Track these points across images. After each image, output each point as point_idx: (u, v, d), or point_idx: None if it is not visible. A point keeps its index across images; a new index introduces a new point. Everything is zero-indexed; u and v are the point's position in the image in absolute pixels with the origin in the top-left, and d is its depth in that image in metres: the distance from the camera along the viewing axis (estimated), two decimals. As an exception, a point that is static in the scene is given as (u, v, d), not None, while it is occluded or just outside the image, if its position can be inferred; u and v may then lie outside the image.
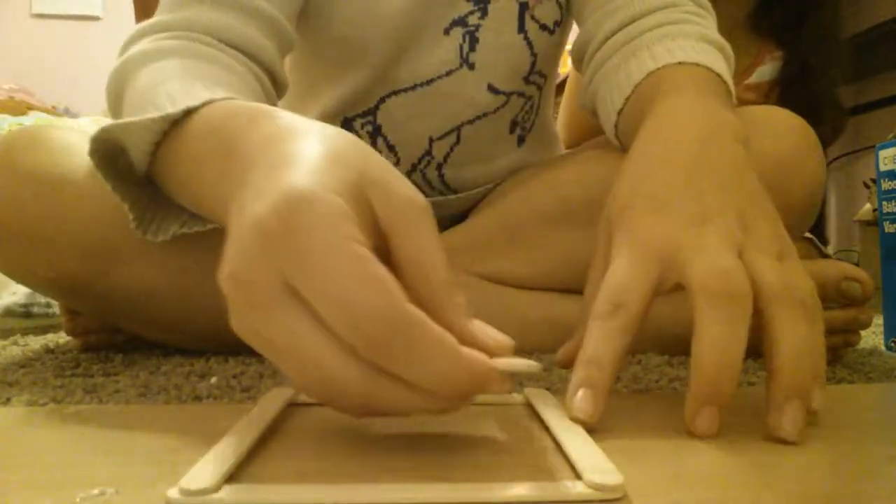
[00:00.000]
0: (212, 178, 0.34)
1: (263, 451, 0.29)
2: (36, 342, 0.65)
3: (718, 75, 0.49)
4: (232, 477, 0.25)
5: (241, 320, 0.26)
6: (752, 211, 0.36)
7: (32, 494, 0.24)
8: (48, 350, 0.60)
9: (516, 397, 0.38)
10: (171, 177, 0.41)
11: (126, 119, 0.40)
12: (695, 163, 0.38)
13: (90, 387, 0.43)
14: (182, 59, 0.47)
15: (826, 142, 1.11)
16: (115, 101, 0.48)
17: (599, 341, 0.33)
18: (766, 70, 1.11)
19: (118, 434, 0.33)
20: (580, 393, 0.32)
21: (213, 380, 0.44)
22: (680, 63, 0.50)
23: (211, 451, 0.27)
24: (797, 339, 0.31)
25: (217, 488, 0.24)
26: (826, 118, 1.06)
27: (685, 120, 0.42)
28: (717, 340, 0.30)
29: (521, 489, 0.24)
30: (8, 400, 0.40)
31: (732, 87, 0.51)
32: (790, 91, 1.08)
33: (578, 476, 0.25)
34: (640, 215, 0.36)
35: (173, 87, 0.42)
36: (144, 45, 0.48)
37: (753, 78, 1.11)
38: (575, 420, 0.31)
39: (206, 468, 0.25)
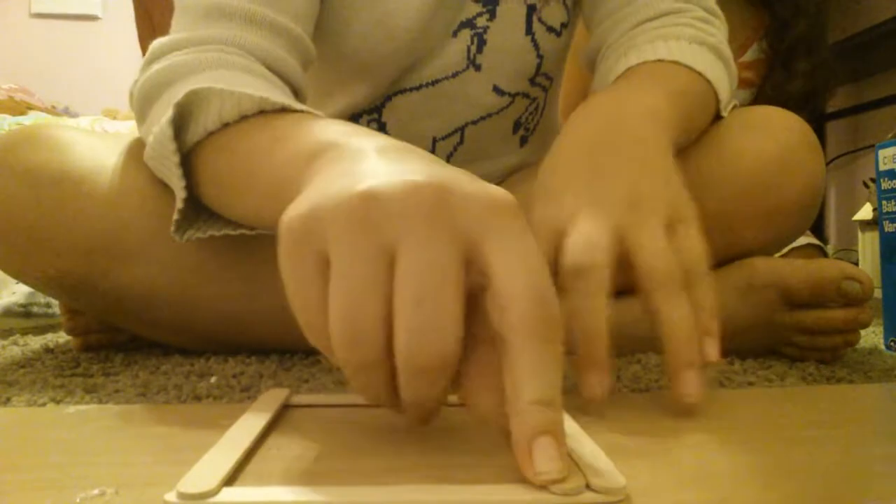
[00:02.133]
0: (288, 165, 0.34)
1: (260, 452, 0.29)
2: (36, 342, 0.65)
3: (700, 74, 0.51)
4: (230, 479, 0.25)
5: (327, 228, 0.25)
6: (647, 182, 0.39)
7: (32, 494, 0.24)
8: (48, 350, 0.59)
9: None
10: (229, 157, 0.40)
11: (221, 86, 0.40)
12: (593, 146, 0.42)
13: (90, 387, 0.43)
14: (237, 71, 0.46)
15: (814, 101, 1.11)
16: (145, 105, 0.47)
17: (582, 311, 0.35)
18: (763, 46, 1.11)
19: (118, 434, 0.33)
20: (591, 374, 0.34)
21: (213, 380, 0.44)
22: (658, 60, 0.52)
23: (208, 453, 0.27)
24: (677, 317, 0.35)
25: (216, 491, 0.24)
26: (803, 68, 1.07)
27: (603, 106, 0.46)
28: (573, 312, 0.34)
29: (523, 492, 0.24)
30: (8, 400, 0.40)
31: (720, 84, 0.53)
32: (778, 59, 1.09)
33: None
34: (539, 206, 0.40)
35: (248, 89, 0.41)
36: (185, 56, 0.46)
37: (749, 55, 1.11)
38: (590, 399, 0.34)
39: (205, 471, 0.25)
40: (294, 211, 0.26)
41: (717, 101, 0.54)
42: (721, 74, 0.54)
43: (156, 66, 0.46)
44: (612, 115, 0.45)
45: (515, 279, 0.24)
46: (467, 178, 0.27)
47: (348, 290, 0.24)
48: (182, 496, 0.23)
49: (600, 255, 0.35)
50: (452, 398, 0.39)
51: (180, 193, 0.43)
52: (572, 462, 0.26)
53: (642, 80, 0.51)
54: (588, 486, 0.24)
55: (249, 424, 0.32)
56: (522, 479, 0.24)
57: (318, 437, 0.32)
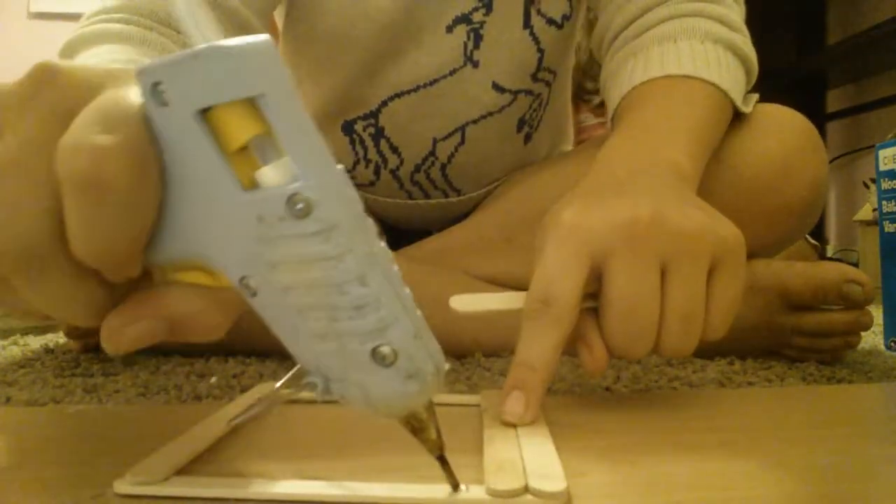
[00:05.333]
0: None
1: (231, 443, 0.30)
2: (36, 342, 0.65)
3: (714, 84, 0.49)
4: (187, 469, 0.26)
5: None
6: (682, 207, 0.35)
7: (33, 494, 0.24)
8: (48, 350, 0.59)
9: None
10: None
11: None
12: (627, 177, 0.39)
13: (90, 387, 0.43)
14: (129, 45, 0.47)
15: None
16: None
17: (528, 341, 0.33)
18: None
19: (118, 434, 0.33)
20: (512, 395, 0.32)
21: (213, 380, 0.44)
22: (667, 77, 0.50)
23: (172, 442, 0.27)
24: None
25: (164, 479, 0.24)
26: None
27: (619, 160, 0.42)
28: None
29: (448, 492, 0.24)
30: (8, 400, 0.40)
31: (735, 91, 0.50)
32: None
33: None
34: (569, 209, 0.35)
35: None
36: (90, 26, 0.49)
37: None
38: (506, 423, 0.31)
39: (159, 459, 0.26)
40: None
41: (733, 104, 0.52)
42: (735, 75, 0.52)
43: (76, 33, 0.49)
44: (633, 168, 0.40)
45: None
46: None
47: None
48: (131, 482, 0.24)
49: (565, 289, 0.32)
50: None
51: None
52: (520, 463, 0.26)
53: (657, 120, 0.46)
54: (529, 489, 0.23)
55: (225, 416, 0.32)
56: (476, 480, 0.24)
57: (297, 433, 0.32)
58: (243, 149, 0.19)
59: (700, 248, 0.33)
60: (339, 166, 0.19)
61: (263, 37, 0.18)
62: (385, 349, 0.20)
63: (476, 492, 0.24)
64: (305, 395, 0.39)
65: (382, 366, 0.20)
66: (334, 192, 0.19)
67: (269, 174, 0.18)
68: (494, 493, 0.23)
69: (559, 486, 0.23)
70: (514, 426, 0.31)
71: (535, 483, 0.24)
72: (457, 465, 0.27)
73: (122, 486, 0.24)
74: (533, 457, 0.27)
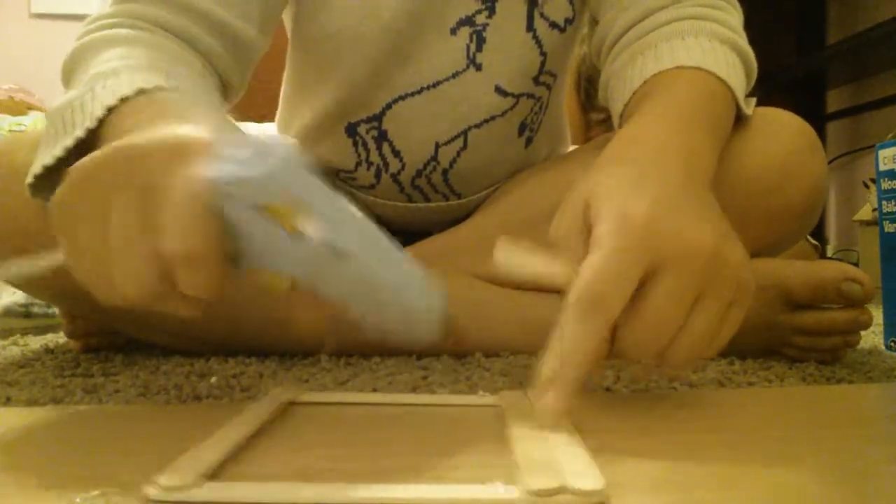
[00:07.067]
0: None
1: (254, 448, 0.29)
2: (36, 342, 0.65)
3: (723, 80, 0.49)
4: (215, 474, 0.25)
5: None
6: (723, 235, 0.35)
7: (32, 494, 0.24)
8: (48, 350, 0.60)
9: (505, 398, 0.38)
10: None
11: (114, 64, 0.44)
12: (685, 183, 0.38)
13: (90, 387, 0.43)
14: (126, 47, 0.47)
15: None
16: (67, 84, 0.49)
17: (571, 341, 0.32)
18: None
19: (118, 434, 0.33)
20: (551, 393, 0.31)
21: (213, 380, 0.44)
22: (678, 67, 0.49)
23: (195, 448, 0.27)
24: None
25: (196, 485, 0.23)
26: None
27: (634, 155, 0.41)
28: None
29: (497, 492, 0.23)
30: (8, 400, 0.40)
31: (740, 91, 0.50)
32: None
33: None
34: (637, 203, 0.34)
35: (139, 73, 0.42)
36: (97, 32, 0.49)
37: None
38: (543, 419, 0.31)
39: (187, 464, 0.25)
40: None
41: (737, 105, 0.51)
42: (740, 75, 0.51)
43: (78, 42, 0.49)
44: (649, 167, 0.39)
45: None
46: (163, 132, 0.31)
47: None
48: (162, 488, 0.23)
49: (618, 296, 0.32)
50: (450, 398, 0.39)
51: (58, 151, 0.41)
52: (554, 462, 0.26)
53: (668, 107, 0.46)
54: (567, 488, 0.23)
55: (245, 421, 0.32)
56: (501, 479, 0.24)
57: (317, 436, 0.32)
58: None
59: (734, 286, 0.34)
60: (354, 210, 0.29)
61: (288, 149, 0.26)
62: (407, 304, 0.31)
63: (512, 491, 0.23)
64: (316, 397, 0.40)
65: (406, 314, 0.31)
66: (356, 235, 0.29)
67: (309, 228, 0.28)
68: (532, 493, 0.23)
69: (597, 484, 0.23)
70: (542, 427, 0.31)
71: (572, 481, 0.23)
72: (486, 465, 0.27)
73: (155, 493, 0.23)
74: (566, 456, 0.26)
